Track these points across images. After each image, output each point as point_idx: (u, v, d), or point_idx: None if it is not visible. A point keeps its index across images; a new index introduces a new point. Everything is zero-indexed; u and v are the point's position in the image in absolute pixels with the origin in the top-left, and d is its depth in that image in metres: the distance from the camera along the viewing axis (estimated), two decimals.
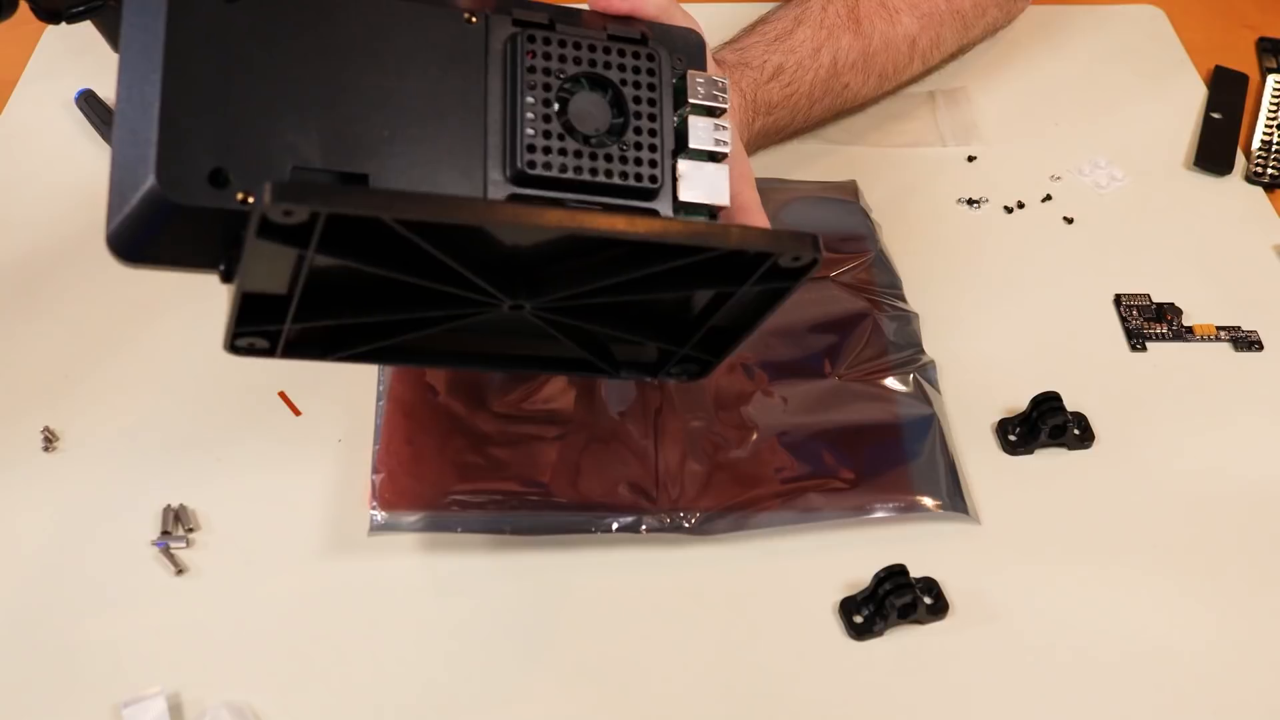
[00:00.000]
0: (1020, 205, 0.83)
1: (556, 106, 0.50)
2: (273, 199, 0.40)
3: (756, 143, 0.74)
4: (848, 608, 0.61)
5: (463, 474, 0.65)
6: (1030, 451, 0.69)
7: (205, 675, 0.58)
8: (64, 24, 0.73)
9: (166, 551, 0.62)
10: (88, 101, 0.86)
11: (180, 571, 0.62)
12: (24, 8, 0.70)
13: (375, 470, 0.65)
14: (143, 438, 0.68)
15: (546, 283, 0.50)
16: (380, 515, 0.63)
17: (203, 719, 0.57)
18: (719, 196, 0.52)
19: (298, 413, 0.69)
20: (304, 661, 0.59)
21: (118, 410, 0.69)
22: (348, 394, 0.69)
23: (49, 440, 0.67)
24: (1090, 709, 0.59)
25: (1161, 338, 0.75)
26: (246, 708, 0.57)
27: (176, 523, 0.64)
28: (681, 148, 0.52)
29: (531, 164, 0.49)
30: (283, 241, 0.43)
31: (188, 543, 0.63)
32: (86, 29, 0.74)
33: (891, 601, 0.60)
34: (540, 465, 0.66)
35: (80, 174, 0.82)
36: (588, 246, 0.48)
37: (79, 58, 0.90)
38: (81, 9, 0.72)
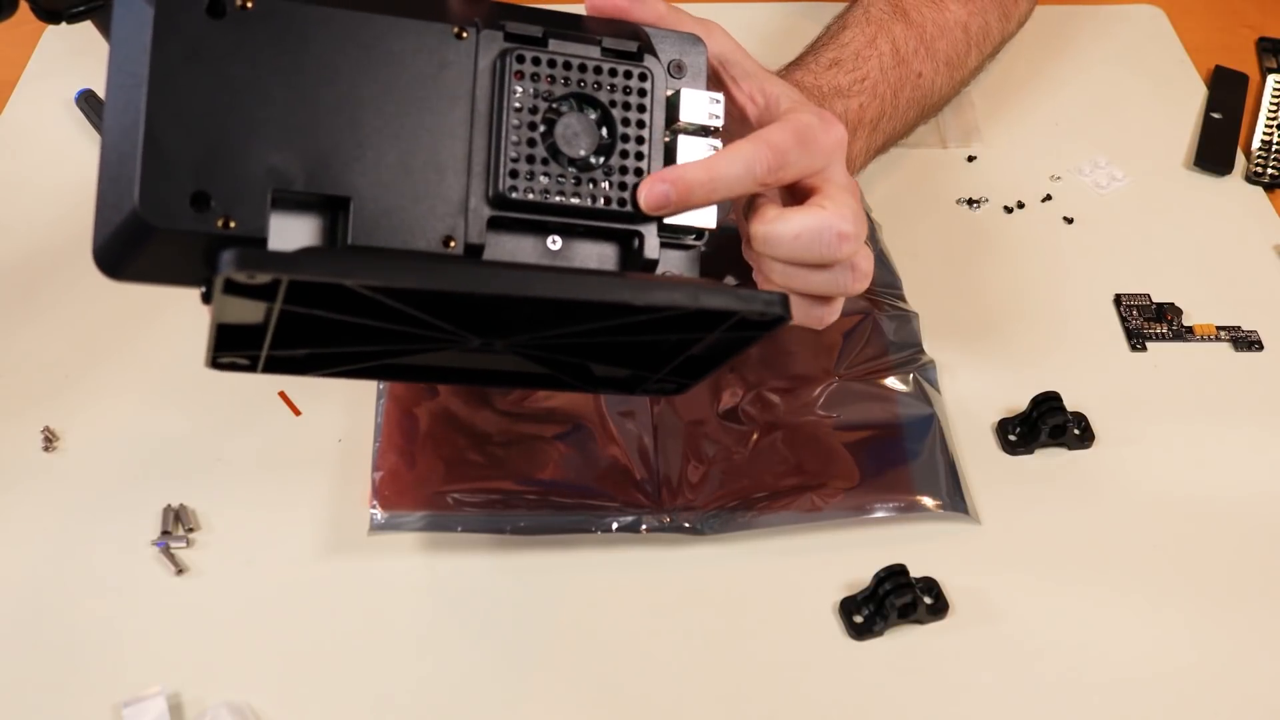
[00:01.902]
0: (1020, 205, 0.83)
1: (542, 128, 0.49)
2: (235, 266, 0.40)
3: (851, 134, 0.71)
4: (848, 608, 0.61)
5: (463, 473, 0.65)
6: (1030, 451, 0.69)
7: (205, 675, 0.58)
8: (64, 24, 0.73)
9: (166, 551, 0.62)
10: (88, 101, 0.86)
11: (180, 571, 0.62)
12: (24, 8, 0.70)
13: (375, 469, 0.65)
14: (143, 438, 0.68)
15: (515, 325, 0.50)
16: (380, 514, 0.63)
17: (203, 719, 0.57)
18: (705, 218, 0.52)
19: (298, 413, 0.69)
20: (304, 661, 0.59)
21: (118, 410, 0.69)
22: (348, 394, 0.69)
23: (49, 440, 0.67)
24: (1089, 708, 0.59)
25: (1161, 338, 0.75)
26: (246, 708, 0.57)
27: (176, 523, 0.64)
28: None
29: (513, 189, 0.48)
30: (249, 297, 0.43)
31: (188, 543, 0.63)
32: (86, 29, 0.73)
33: (891, 601, 0.60)
34: (540, 464, 0.66)
35: (80, 174, 0.81)
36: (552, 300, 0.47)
37: (79, 58, 0.90)
38: (81, 9, 0.72)
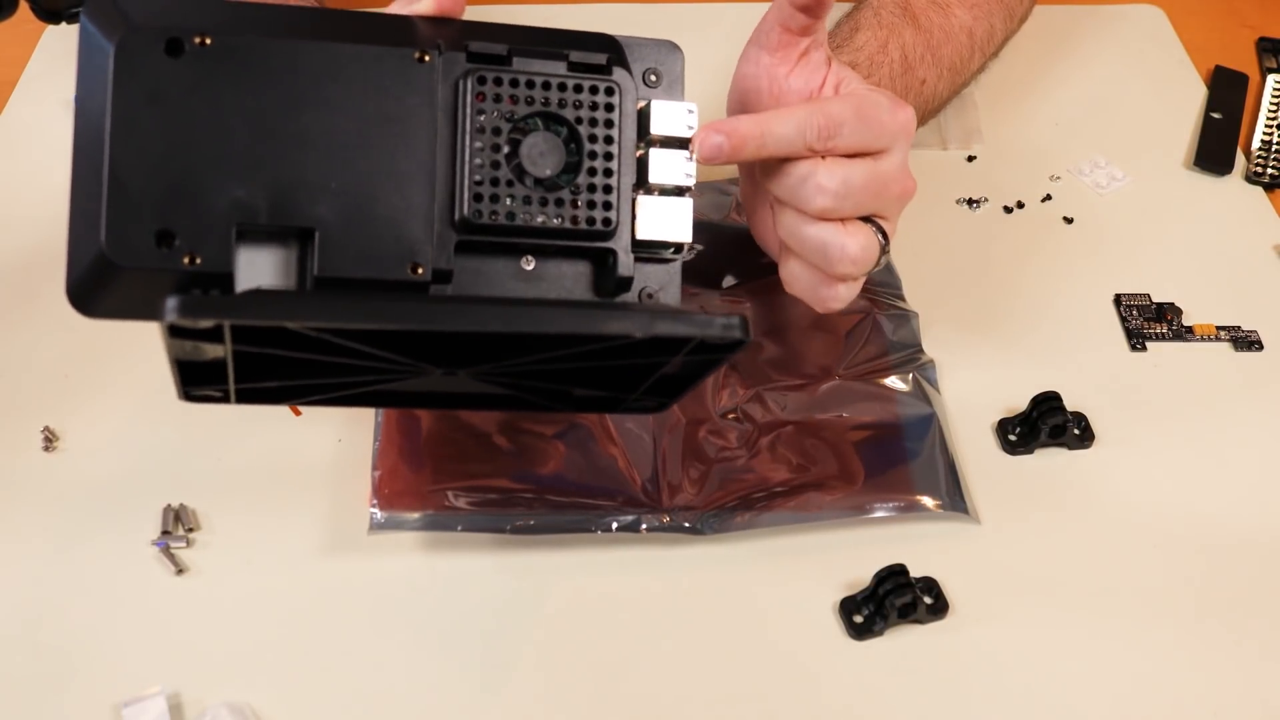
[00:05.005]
0: (1020, 205, 0.83)
1: (507, 150, 0.49)
2: (176, 314, 0.40)
3: None
4: (848, 608, 0.61)
5: (462, 472, 0.65)
6: (1030, 451, 0.69)
7: (205, 675, 0.58)
8: (64, 24, 0.72)
9: (166, 551, 0.62)
10: None
11: (180, 571, 0.62)
12: (24, 8, 0.70)
13: (375, 468, 0.65)
14: (143, 438, 0.68)
15: (475, 355, 0.49)
16: (380, 514, 0.63)
17: (203, 719, 0.57)
18: (680, 233, 0.51)
19: (298, 413, 0.69)
20: (304, 661, 0.59)
21: (118, 410, 0.69)
22: None
23: (49, 440, 0.67)
24: (1089, 708, 0.59)
25: (1161, 338, 0.75)
26: (246, 708, 0.57)
27: (176, 523, 0.64)
28: (643, 181, 0.51)
29: (478, 213, 0.48)
30: (197, 340, 0.43)
31: (188, 543, 0.63)
32: None
33: (891, 601, 0.60)
34: (540, 463, 0.66)
35: None
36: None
37: None
38: (81, 9, 0.72)
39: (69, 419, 0.68)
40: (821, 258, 0.58)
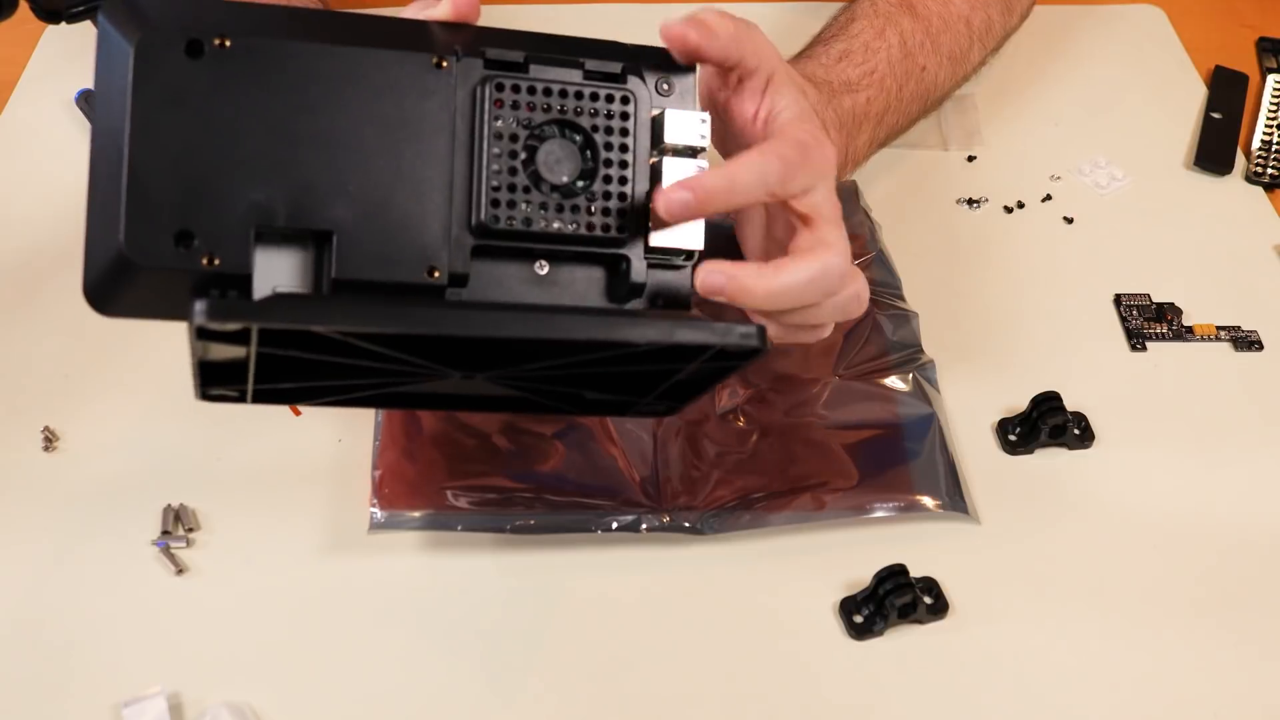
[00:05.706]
0: (1020, 205, 0.83)
1: (524, 156, 0.49)
2: (205, 316, 0.40)
3: (857, 128, 0.72)
4: (848, 608, 0.61)
5: (463, 471, 0.65)
6: (1030, 451, 0.69)
7: (205, 675, 0.58)
8: (64, 24, 0.72)
9: (166, 551, 0.62)
10: (88, 101, 0.86)
11: (180, 571, 0.62)
12: (24, 8, 0.70)
13: (375, 467, 0.65)
14: (143, 438, 0.68)
15: (494, 360, 0.50)
16: (380, 513, 0.63)
17: (202, 719, 0.57)
18: (692, 241, 0.51)
19: (298, 413, 0.69)
20: (304, 661, 0.59)
21: (118, 410, 0.69)
22: None
23: (49, 440, 0.67)
24: (1089, 708, 0.59)
25: (1161, 338, 0.75)
26: (246, 708, 0.57)
27: (176, 523, 0.64)
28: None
29: (495, 218, 0.48)
30: (223, 342, 0.43)
31: (188, 543, 0.63)
32: (86, 29, 0.73)
33: (891, 601, 0.60)
34: (540, 463, 0.66)
35: (80, 174, 0.81)
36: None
37: (79, 58, 0.90)
38: (81, 9, 0.72)
39: (69, 419, 0.68)
40: (845, 314, 0.56)
